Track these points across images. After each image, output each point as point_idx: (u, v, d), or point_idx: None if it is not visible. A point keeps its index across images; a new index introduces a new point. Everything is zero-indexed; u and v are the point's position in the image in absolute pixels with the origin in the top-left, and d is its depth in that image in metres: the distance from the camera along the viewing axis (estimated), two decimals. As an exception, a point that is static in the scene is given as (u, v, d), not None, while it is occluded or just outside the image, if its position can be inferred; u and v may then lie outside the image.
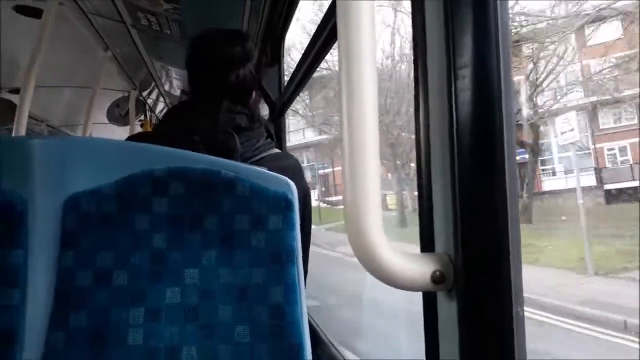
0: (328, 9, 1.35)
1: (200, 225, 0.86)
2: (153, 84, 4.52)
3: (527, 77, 13.91)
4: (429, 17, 0.63)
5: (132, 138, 1.34)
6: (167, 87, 4.67)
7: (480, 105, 0.56)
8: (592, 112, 16.06)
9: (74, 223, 0.85)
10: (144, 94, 4.80)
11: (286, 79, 2.37)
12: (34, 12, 2.50)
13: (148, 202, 0.86)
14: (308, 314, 0.91)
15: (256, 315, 0.84)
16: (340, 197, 23.58)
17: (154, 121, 5.30)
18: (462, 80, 0.57)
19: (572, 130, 10.23)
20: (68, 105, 4.36)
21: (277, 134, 2.32)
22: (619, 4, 12.43)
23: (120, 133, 4.85)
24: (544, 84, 14.17)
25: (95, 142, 0.99)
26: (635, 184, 14.47)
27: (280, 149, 1.34)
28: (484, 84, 0.56)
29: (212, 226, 0.86)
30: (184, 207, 0.87)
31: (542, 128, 14.29)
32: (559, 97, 14.56)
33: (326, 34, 1.45)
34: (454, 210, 0.57)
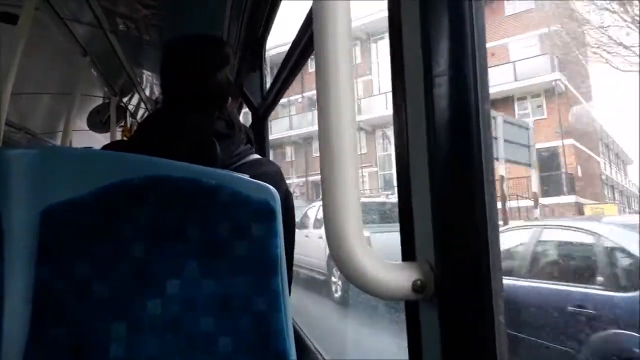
0: (307, 13, 1.35)
1: (182, 234, 0.85)
2: (134, 89, 4.47)
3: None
4: (405, 25, 0.63)
5: (108, 147, 1.32)
6: (147, 93, 4.63)
7: (457, 112, 0.57)
8: None
9: (51, 235, 0.83)
10: (125, 100, 4.74)
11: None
12: (10, 18, 2.46)
13: (127, 211, 0.85)
14: (294, 321, 0.91)
15: (240, 325, 0.83)
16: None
17: (135, 127, 5.23)
18: (439, 88, 0.57)
19: None
20: (48, 112, 4.29)
21: (259, 139, 2.31)
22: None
23: (102, 139, 4.79)
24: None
25: (72, 151, 0.97)
26: None
27: (262, 154, 1.34)
28: (461, 91, 0.57)
29: (194, 235, 0.85)
30: (164, 216, 0.85)
31: None
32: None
33: (306, 39, 1.46)
34: (433, 218, 0.57)
